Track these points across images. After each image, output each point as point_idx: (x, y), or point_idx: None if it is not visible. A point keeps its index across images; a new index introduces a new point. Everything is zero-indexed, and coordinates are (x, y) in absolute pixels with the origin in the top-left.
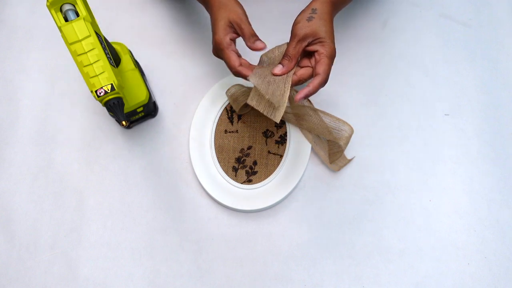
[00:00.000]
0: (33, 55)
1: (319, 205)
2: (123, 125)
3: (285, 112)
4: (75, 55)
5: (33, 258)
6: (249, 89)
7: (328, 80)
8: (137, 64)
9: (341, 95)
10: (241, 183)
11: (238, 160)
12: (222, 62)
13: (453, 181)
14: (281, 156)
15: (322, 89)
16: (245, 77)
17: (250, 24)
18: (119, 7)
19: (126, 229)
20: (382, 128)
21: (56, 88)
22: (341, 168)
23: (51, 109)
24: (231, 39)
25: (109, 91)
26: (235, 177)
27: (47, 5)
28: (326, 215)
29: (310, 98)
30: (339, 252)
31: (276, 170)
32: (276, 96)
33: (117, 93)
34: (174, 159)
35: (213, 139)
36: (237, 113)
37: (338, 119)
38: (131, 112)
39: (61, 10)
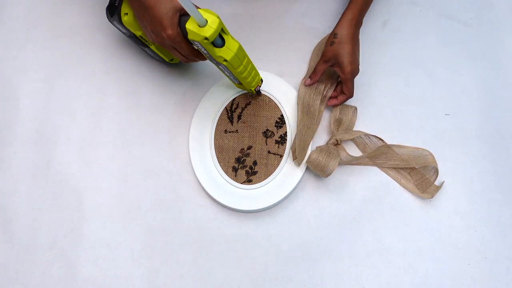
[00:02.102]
0: (32, 55)
1: (319, 205)
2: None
3: (357, 159)
4: (239, 75)
5: (32, 259)
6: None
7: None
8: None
9: None
10: (241, 183)
11: (238, 160)
12: None
13: (453, 181)
14: (281, 156)
15: None
16: (197, 60)
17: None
18: None
19: (126, 229)
20: (382, 128)
21: (56, 88)
22: (434, 195)
23: (51, 109)
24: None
25: (260, 85)
26: (235, 177)
27: (204, 43)
28: (326, 215)
29: (383, 137)
30: (339, 252)
31: (276, 170)
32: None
33: (261, 79)
34: (174, 159)
35: (213, 139)
36: (325, 176)
37: (416, 148)
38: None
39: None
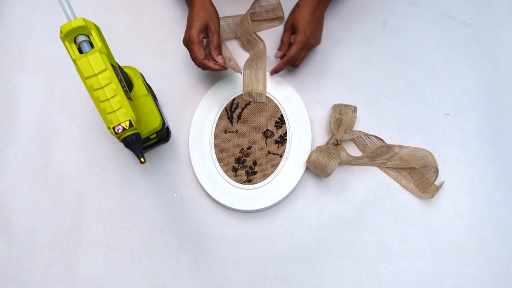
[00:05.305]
0: (33, 55)
1: (319, 205)
2: (141, 162)
3: (356, 158)
4: (91, 90)
5: (32, 259)
6: (332, 151)
7: (320, 76)
8: (149, 88)
9: (341, 95)
10: (241, 183)
11: (238, 160)
12: None
13: (453, 181)
14: (281, 156)
15: (323, 88)
16: (209, 68)
17: (220, 37)
18: (119, 7)
19: (126, 229)
20: (382, 128)
21: (56, 88)
22: (434, 195)
23: (51, 109)
24: (202, 38)
25: (127, 128)
26: (235, 177)
27: (60, 37)
28: (326, 215)
29: (383, 137)
30: (339, 252)
31: (276, 170)
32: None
33: (135, 129)
34: (174, 159)
35: (212, 139)
36: (325, 176)
37: (416, 148)
38: (144, 139)
39: (75, 41)
